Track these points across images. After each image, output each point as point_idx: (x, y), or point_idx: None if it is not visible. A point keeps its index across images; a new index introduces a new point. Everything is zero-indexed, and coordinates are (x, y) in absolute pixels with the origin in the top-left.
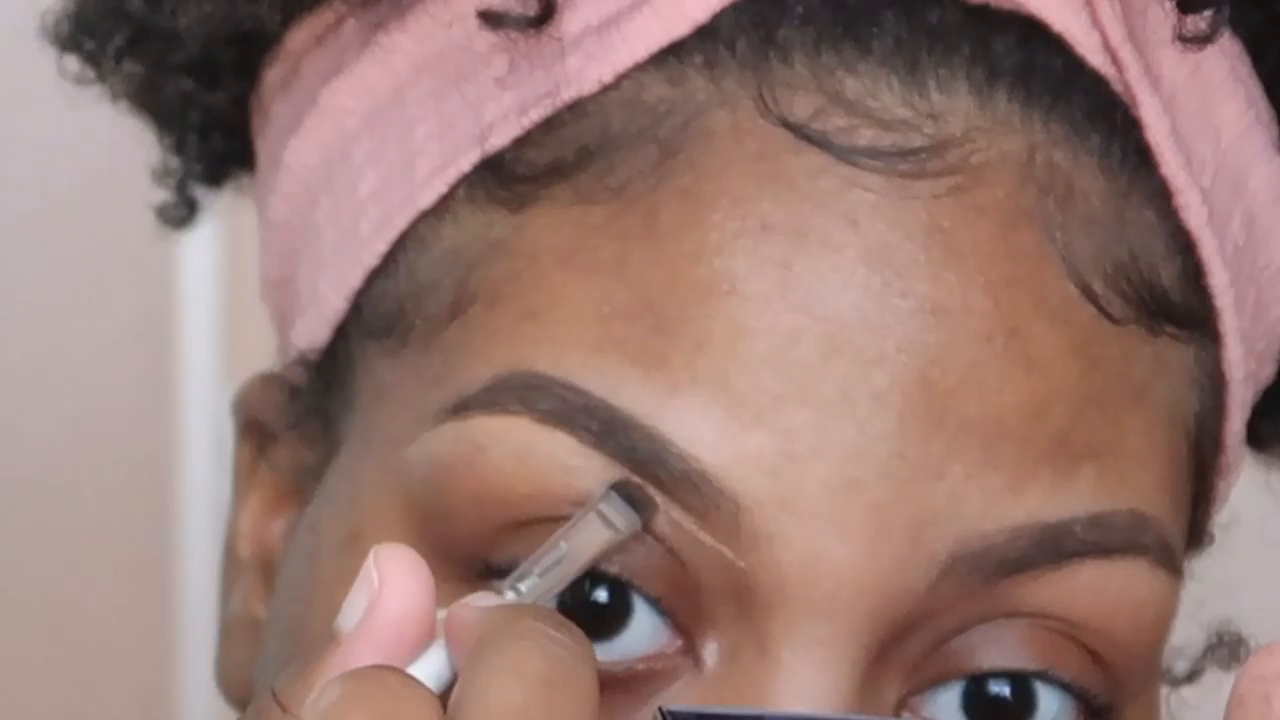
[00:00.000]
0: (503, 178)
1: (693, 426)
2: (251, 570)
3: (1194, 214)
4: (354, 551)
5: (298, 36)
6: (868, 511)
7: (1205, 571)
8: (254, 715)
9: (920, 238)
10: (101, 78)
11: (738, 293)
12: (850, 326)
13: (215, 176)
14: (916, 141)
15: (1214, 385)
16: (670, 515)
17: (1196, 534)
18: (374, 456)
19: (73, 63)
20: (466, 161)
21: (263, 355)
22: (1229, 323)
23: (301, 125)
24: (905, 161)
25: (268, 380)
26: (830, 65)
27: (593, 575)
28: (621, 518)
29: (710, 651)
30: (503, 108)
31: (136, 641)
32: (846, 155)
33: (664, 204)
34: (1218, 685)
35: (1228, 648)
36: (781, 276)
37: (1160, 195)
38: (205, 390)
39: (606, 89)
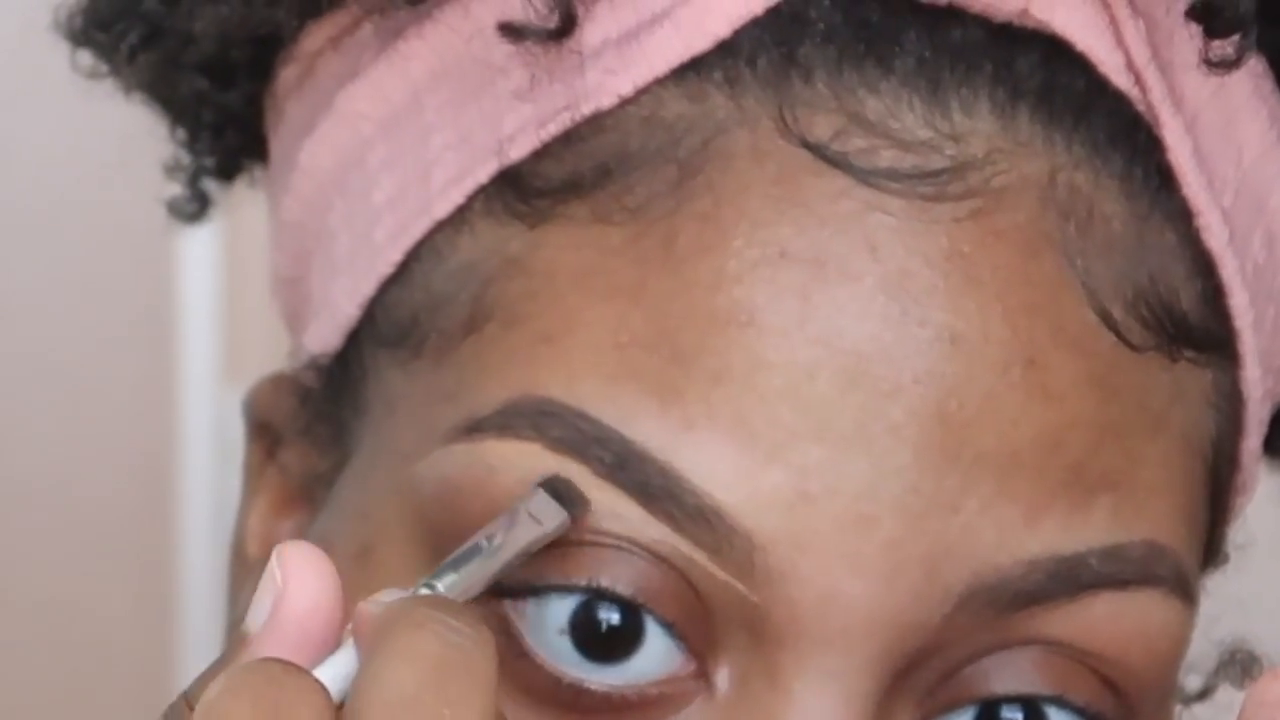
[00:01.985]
0: (520, 191)
1: (707, 463)
2: (260, 570)
3: (1215, 235)
4: (365, 565)
5: (313, 37)
6: (882, 548)
7: (1219, 588)
8: (168, 715)
9: (940, 264)
10: (115, 72)
11: (756, 324)
12: (868, 358)
13: (227, 171)
14: (937, 163)
15: (1232, 406)
16: (682, 550)
17: (1212, 552)
18: (384, 469)
19: (86, 57)
20: (484, 173)
21: (263, 355)
22: (1248, 343)
23: (316, 127)
24: (926, 184)
25: (278, 382)
26: (852, 85)
27: (606, 597)
28: (549, 514)
29: (722, 677)
30: (521, 120)
31: (137, 640)
32: (867, 178)
33: (682, 228)
34: (1230, 703)
35: (1240, 665)
36: (800, 308)
37: (1181, 216)
38: (205, 390)
39: (625, 103)
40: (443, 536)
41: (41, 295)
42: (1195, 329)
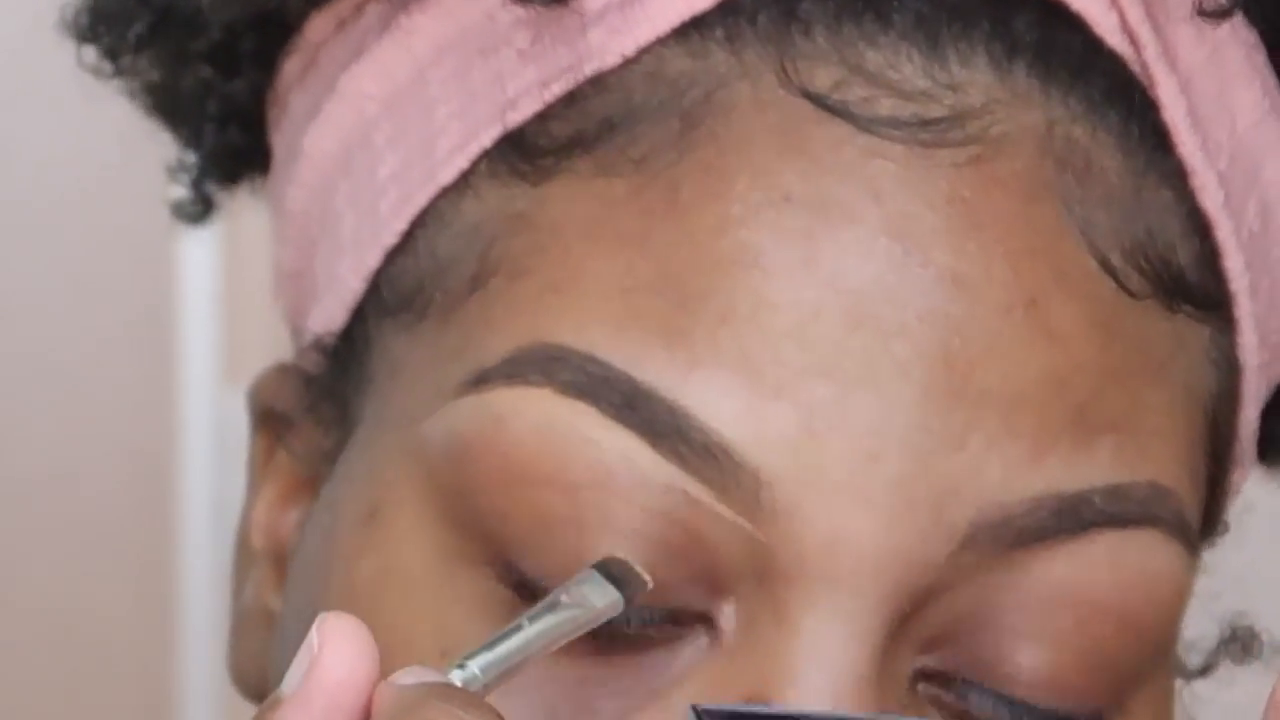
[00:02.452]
0: (524, 151)
1: (714, 400)
2: (265, 561)
3: (1210, 195)
4: (373, 526)
5: (317, 25)
6: (889, 484)
7: (1219, 564)
8: None
9: (941, 207)
10: (119, 71)
11: (760, 266)
12: (872, 298)
13: (231, 172)
14: (936, 111)
15: (1230, 371)
16: (688, 492)
17: (1211, 523)
18: (391, 432)
19: (91, 55)
20: (488, 137)
21: (263, 356)
22: (1244, 308)
23: (321, 112)
24: (926, 131)
25: (282, 370)
26: (851, 38)
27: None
28: (599, 594)
29: (727, 618)
30: (524, 83)
31: (137, 640)
32: (867, 125)
33: (686, 177)
34: (1230, 679)
35: (1241, 642)
36: (804, 249)
37: (1177, 176)
38: (205, 390)
39: (628, 63)
40: (451, 493)
41: (41, 295)
42: (1193, 285)
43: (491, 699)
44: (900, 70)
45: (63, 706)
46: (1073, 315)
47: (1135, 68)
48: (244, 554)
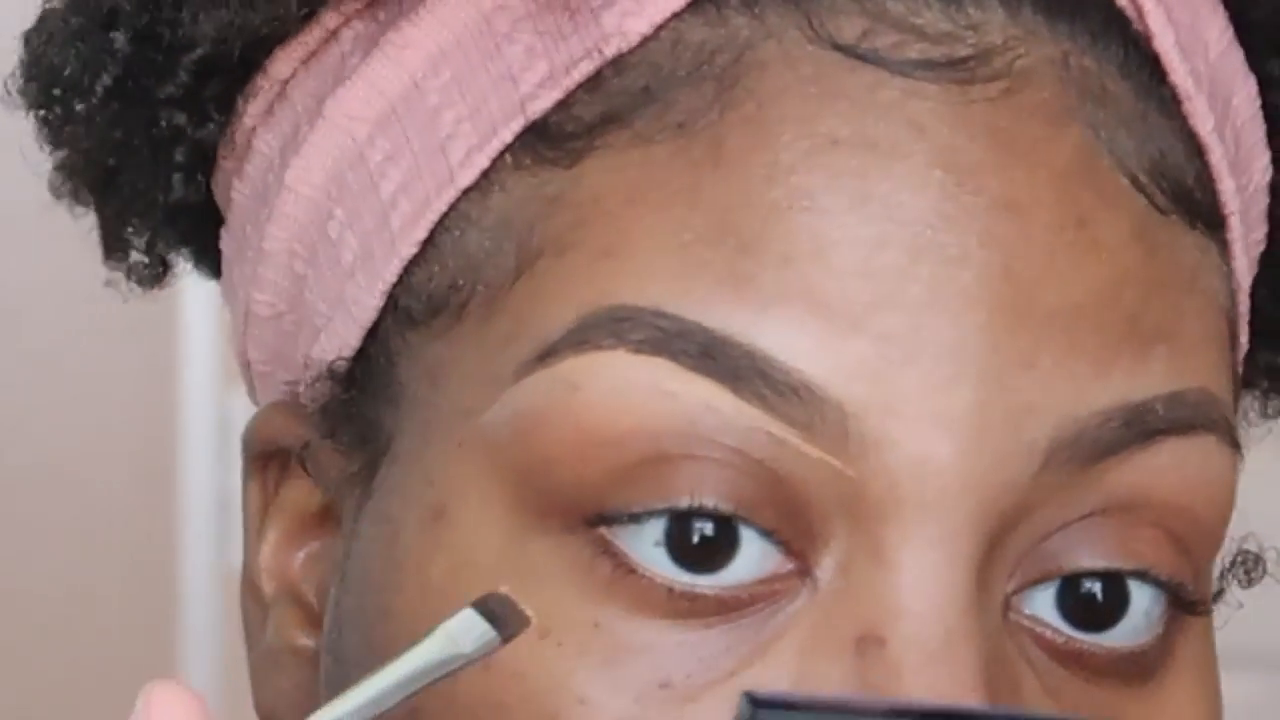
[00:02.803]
0: (549, 139)
1: (790, 339)
2: (281, 602)
3: (1202, 120)
4: (440, 526)
5: (281, 62)
6: (969, 407)
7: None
8: None
9: (983, 138)
10: (61, 141)
11: (816, 207)
12: (932, 227)
13: (185, 232)
14: (963, 51)
15: (1234, 294)
16: (772, 433)
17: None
18: (442, 433)
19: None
20: (509, 131)
21: None
22: (1236, 230)
23: (304, 144)
24: (956, 70)
25: (278, 407)
26: None
27: (699, 514)
28: (472, 636)
29: (825, 568)
30: (539, 75)
31: (137, 639)
32: (900, 69)
33: (729, 132)
34: (1238, 603)
35: (1244, 566)
36: (858, 187)
37: (1171, 103)
38: (206, 390)
39: (647, 40)
40: (522, 473)
41: (42, 295)
42: (1201, 205)
43: (599, 673)
44: (922, 16)
45: (63, 705)
46: (1117, 230)
47: (1123, 2)
48: (254, 602)
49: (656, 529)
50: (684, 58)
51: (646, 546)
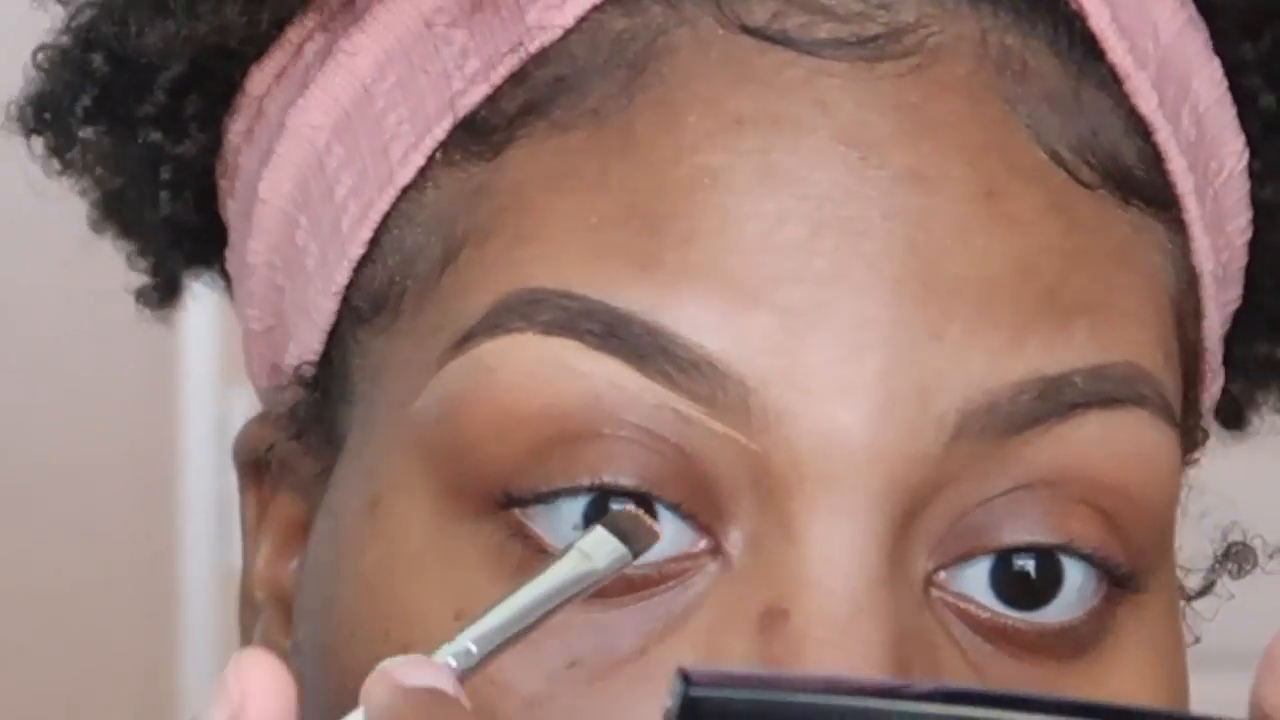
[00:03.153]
0: (476, 133)
1: (693, 315)
2: (269, 608)
3: (1144, 98)
4: (375, 515)
5: (257, 79)
6: (873, 378)
7: (1209, 483)
8: None
9: (890, 113)
10: (67, 165)
11: (721, 185)
12: (834, 201)
13: (191, 251)
14: (873, 29)
15: (1189, 276)
16: (678, 410)
17: (1189, 435)
18: (380, 426)
19: (39, 147)
20: (441, 129)
21: None
22: (1192, 211)
23: (272, 156)
24: (865, 48)
25: (263, 418)
26: None
27: (614, 491)
28: (605, 550)
29: (734, 544)
30: (469, 73)
31: (137, 639)
32: (809, 48)
33: (639, 116)
34: (1229, 595)
35: (1236, 558)
36: (761, 164)
37: (1112, 82)
38: (206, 390)
39: (569, 32)
40: (447, 458)
41: (42, 295)
42: (1141, 181)
43: (511, 654)
44: None
45: (63, 706)
46: (1032, 202)
47: None
48: (248, 610)
49: (574, 511)
50: (602, 47)
51: (564, 529)
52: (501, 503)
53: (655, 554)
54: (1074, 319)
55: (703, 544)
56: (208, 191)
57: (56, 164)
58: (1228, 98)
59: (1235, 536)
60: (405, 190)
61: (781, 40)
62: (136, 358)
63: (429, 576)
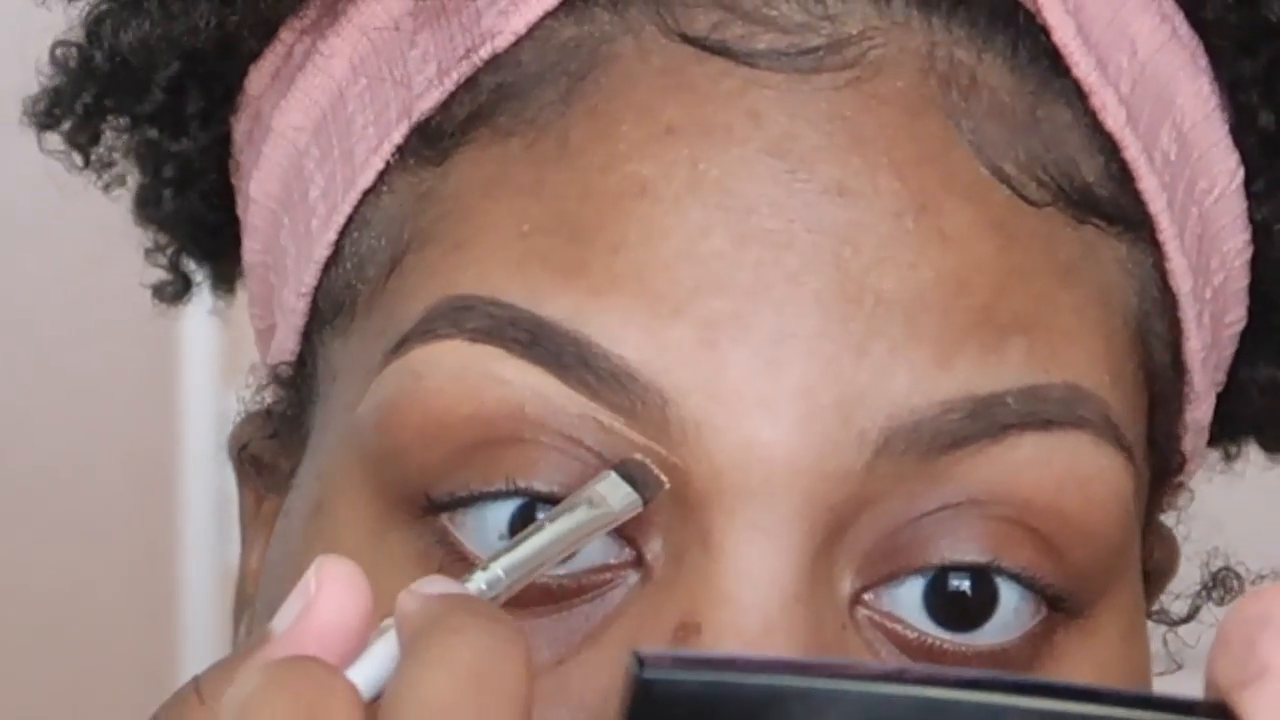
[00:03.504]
0: (427, 138)
1: (615, 326)
2: (255, 604)
3: (1111, 114)
4: (318, 519)
5: (255, 80)
6: (794, 393)
7: (1197, 508)
8: (173, 704)
9: (822, 125)
10: (86, 158)
11: (648, 195)
12: (759, 214)
13: (206, 247)
14: (814, 41)
15: (1162, 295)
16: (600, 420)
17: (1169, 458)
18: (333, 428)
19: (55, 143)
20: (398, 134)
21: None
22: (1167, 230)
23: (261, 157)
24: (804, 59)
25: (251, 416)
26: None
27: (538, 498)
28: (618, 496)
29: (657, 555)
30: (426, 78)
31: (137, 638)
32: (746, 58)
33: (574, 124)
34: (1214, 622)
35: (1222, 584)
36: (689, 174)
37: (1075, 97)
38: (206, 390)
39: (520, 39)
40: (381, 462)
41: (43, 295)
42: (1102, 200)
43: None
44: (776, 8)
45: (63, 704)
46: (967, 218)
47: None
48: (240, 605)
49: (500, 518)
50: (549, 55)
51: (490, 536)
52: (426, 507)
53: (577, 564)
54: (1009, 338)
55: (625, 553)
56: (221, 189)
57: (79, 159)
58: (1218, 115)
59: (1219, 562)
60: (366, 194)
61: (720, 50)
62: (136, 358)
63: None
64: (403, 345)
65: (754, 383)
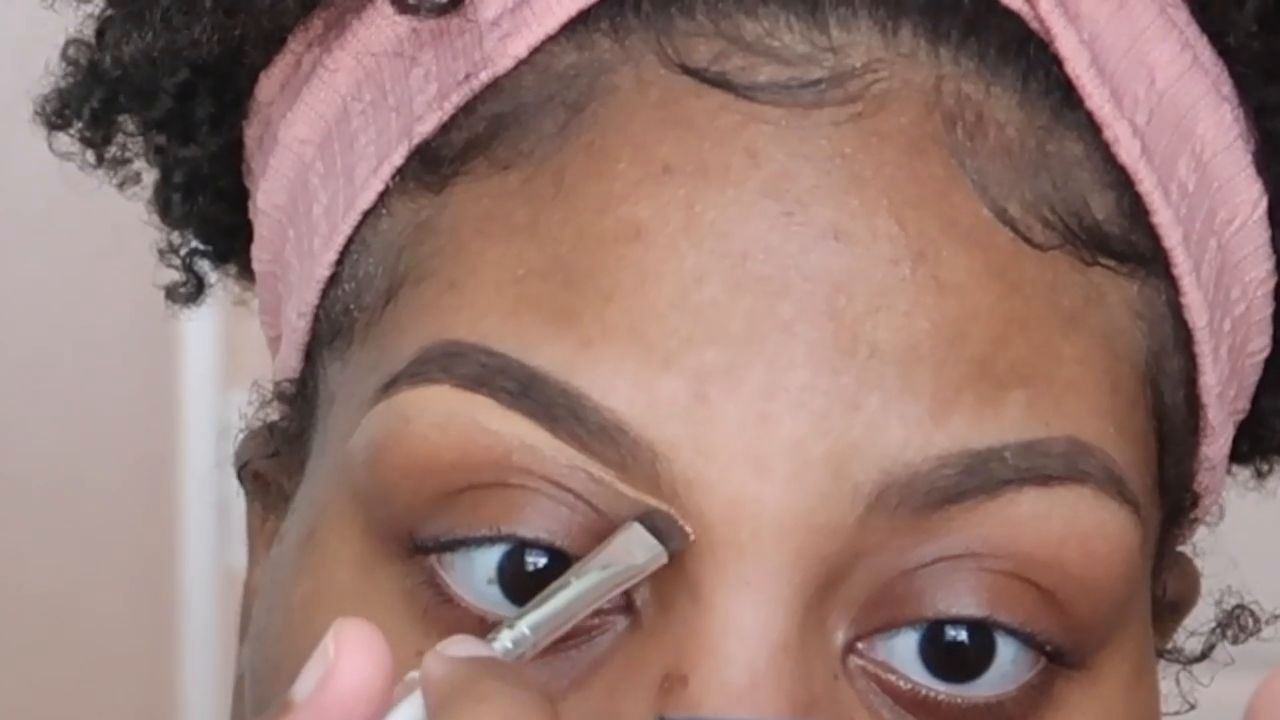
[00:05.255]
0: (427, 163)
1: (607, 378)
2: (251, 623)
3: (1125, 148)
4: (309, 549)
5: (265, 87)
6: (784, 448)
7: (1213, 546)
8: None
9: (821, 163)
10: (101, 160)
11: (643, 239)
12: (754, 260)
13: (219, 249)
14: (815, 74)
15: (1175, 331)
16: (590, 472)
17: (1182, 495)
18: (328, 456)
19: (64, 141)
20: (398, 155)
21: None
22: (1181, 264)
23: (268, 167)
24: (804, 93)
25: (256, 430)
26: (729, 11)
27: (529, 545)
28: (644, 548)
29: (646, 603)
30: (427, 99)
31: (137, 640)
32: (746, 92)
33: (571, 160)
34: (1229, 660)
35: (1237, 623)
36: (685, 217)
37: (1088, 129)
38: (206, 390)
39: (521, 64)
40: (370, 500)
41: (42, 295)
42: (1112, 237)
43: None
44: (779, 38)
45: (63, 706)
46: (965, 265)
47: (1032, 23)
48: (245, 621)
49: (489, 563)
50: (548, 83)
51: (478, 580)
52: (413, 548)
53: None
54: (1007, 390)
55: (616, 599)
56: (235, 191)
57: (92, 157)
58: (1241, 144)
59: (1232, 600)
60: (366, 215)
61: (720, 83)
62: (137, 359)
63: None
64: (393, 385)
65: (744, 437)
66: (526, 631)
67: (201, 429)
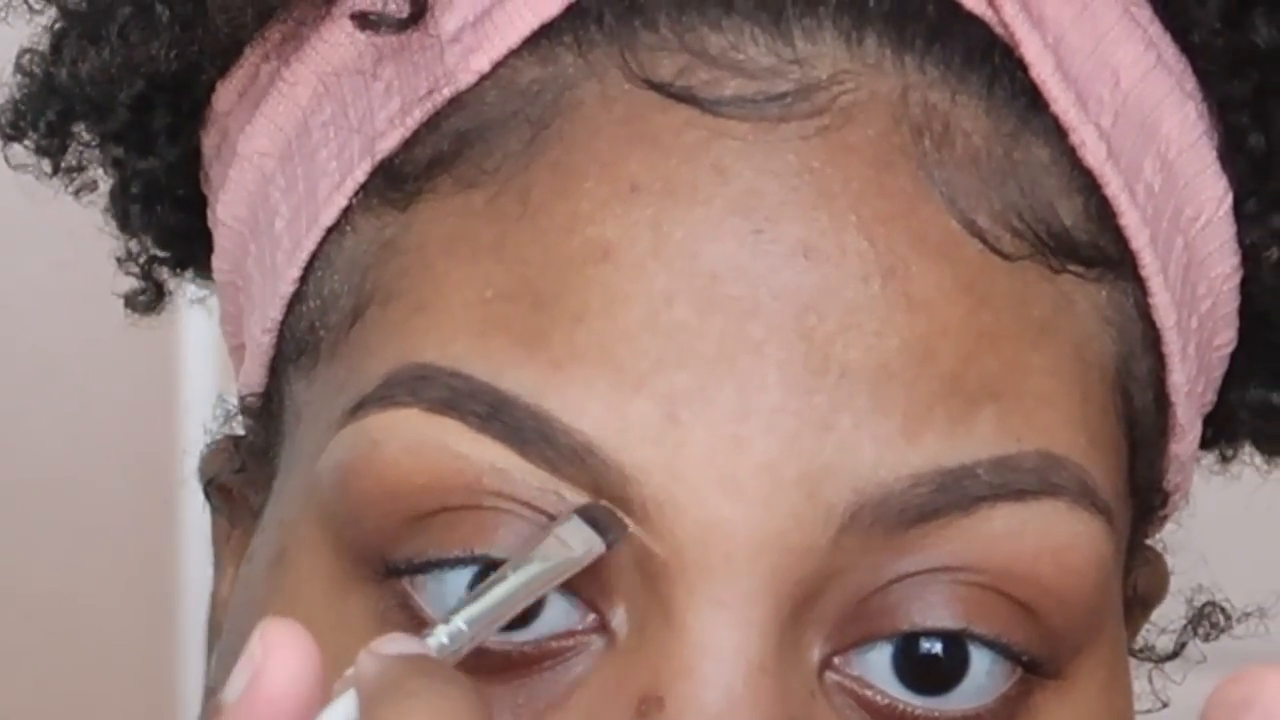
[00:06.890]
0: (391, 180)
1: (576, 400)
2: (222, 638)
3: (1091, 151)
4: (280, 569)
5: (222, 96)
6: (756, 470)
7: (1184, 544)
8: None
9: (789, 180)
10: (57, 169)
11: (611, 259)
12: (723, 280)
13: (179, 257)
14: (782, 87)
15: (1144, 332)
16: (560, 494)
17: (1151, 495)
18: (296, 475)
19: (19, 155)
20: (361, 171)
21: None
22: (1149, 265)
23: (227, 179)
24: (771, 106)
25: (220, 443)
26: (693, 24)
27: (495, 565)
28: (581, 540)
29: (619, 622)
30: (389, 114)
31: (137, 640)
32: (712, 107)
33: (536, 179)
34: (1201, 657)
35: (1208, 621)
36: (653, 237)
37: (1054, 134)
38: (206, 390)
39: (484, 79)
40: (340, 522)
41: (41, 296)
42: (1080, 243)
43: None
44: (744, 51)
45: (63, 706)
46: (935, 280)
47: (997, 29)
48: (213, 634)
49: (459, 584)
50: (511, 100)
51: (450, 601)
52: (385, 571)
53: (540, 630)
54: (979, 406)
55: (589, 619)
56: (194, 200)
57: (47, 166)
58: (1206, 140)
59: (1203, 598)
60: (330, 231)
61: (685, 98)
62: (136, 360)
63: (320, 640)
64: (361, 408)
65: (716, 460)
66: (463, 627)
67: (201, 430)
